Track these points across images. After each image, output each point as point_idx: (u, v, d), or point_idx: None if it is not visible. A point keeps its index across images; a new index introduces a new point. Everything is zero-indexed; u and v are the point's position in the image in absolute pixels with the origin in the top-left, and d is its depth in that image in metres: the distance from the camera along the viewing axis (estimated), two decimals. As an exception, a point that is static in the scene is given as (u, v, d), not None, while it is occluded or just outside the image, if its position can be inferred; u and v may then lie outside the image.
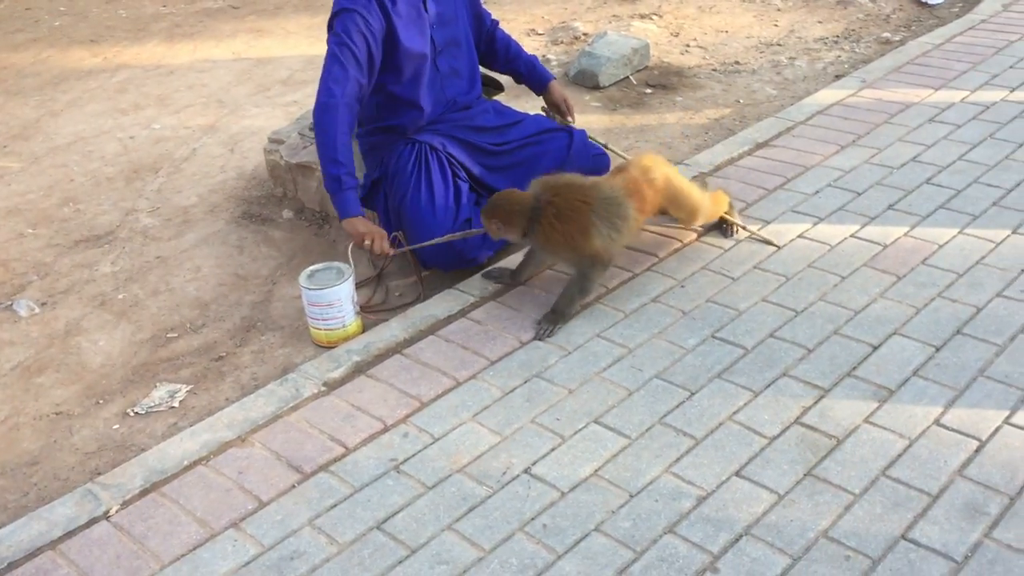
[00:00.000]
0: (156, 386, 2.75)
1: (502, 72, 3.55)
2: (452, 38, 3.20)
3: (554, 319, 2.75)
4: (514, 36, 5.33)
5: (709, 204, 3.01)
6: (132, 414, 2.64)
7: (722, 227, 3.14)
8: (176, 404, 2.66)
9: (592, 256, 2.74)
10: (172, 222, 3.70)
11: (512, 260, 3.07)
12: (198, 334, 2.99)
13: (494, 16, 3.49)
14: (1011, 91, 4.04)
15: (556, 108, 3.49)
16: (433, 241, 2.97)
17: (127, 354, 2.92)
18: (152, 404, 2.67)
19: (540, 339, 2.71)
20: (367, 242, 2.91)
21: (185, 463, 2.33)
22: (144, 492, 2.25)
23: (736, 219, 3.13)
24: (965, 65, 4.35)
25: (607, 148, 3.45)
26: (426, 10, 3.10)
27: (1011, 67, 4.29)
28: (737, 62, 4.88)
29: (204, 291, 3.22)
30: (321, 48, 5.44)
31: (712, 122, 4.20)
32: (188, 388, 2.73)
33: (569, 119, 3.47)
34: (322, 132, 2.92)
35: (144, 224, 3.70)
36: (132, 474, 2.30)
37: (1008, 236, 3.01)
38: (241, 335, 2.97)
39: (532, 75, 3.50)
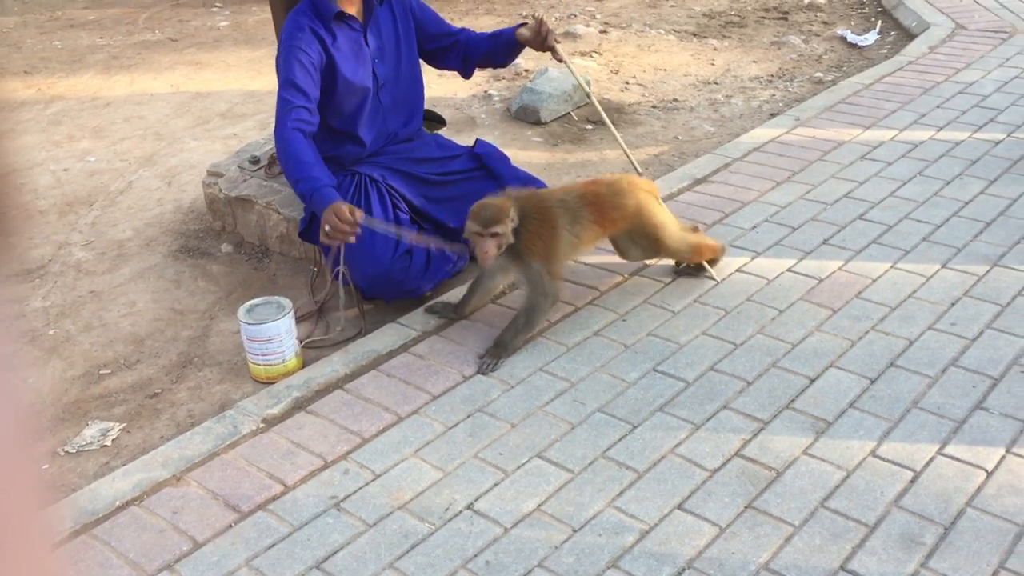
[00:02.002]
0: (88, 424, 2.67)
1: (495, 52, 3.34)
2: (394, 72, 3.21)
3: (497, 352, 2.74)
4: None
5: (685, 245, 2.99)
6: (62, 453, 2.56)
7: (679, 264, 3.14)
8: (108, 443, 2.59)
9: (553, 269, 2.77)
10: (106, 256, 3.63)
11: (455, 294, 3.07)
12: (132, 370, 2.92)
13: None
14: (938, 130, 4.17)
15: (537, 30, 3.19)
16: (411, 237, 2.98)
17: (58, 391, 2.84)
18: (83, 443, 2.59)
19: (484, 373, 2.70)
20: (327, 227, 2.73)
21: (117, 503, 2.26)
22: (74, 534, 2.18)
23: (712, 270, 3.10)
24: (894, 105, 4.49)
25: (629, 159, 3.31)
26: (367, 44, 3.11)
27: (938, 107, 4.43)
28: (675, 99, 4.97)
29: (139, 326, 3.15)
30: (261, 82, 5.40)
31: (651, 158, 4.26)
32: (121, 426, 2.66)
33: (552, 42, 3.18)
34: (285, 159, 2.94)
35: (77, 258, 3.62)
36: (61, 515, 2.22)
37: (938, 270, 3.09)
38: (177, 371, 2.91)
39: (503, 35, 3.29)
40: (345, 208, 2.71)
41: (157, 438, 2.60)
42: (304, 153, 2.90)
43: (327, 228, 2.74)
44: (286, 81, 2.95)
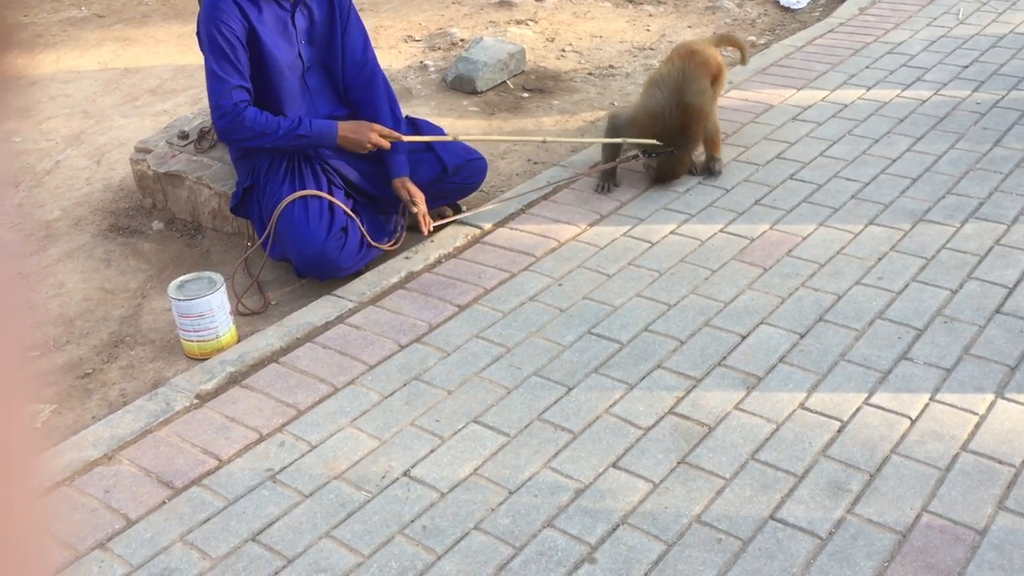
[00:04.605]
0: (17, 407, 2.62)
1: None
2: (322, 56, 3.15)
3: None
4: (391, 43, 5.33)
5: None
6: (-9, 437, 2.51)
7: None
8: (39, 425, 2.55)
9: None
10: (33, 237, 3.55)
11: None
12: (62, 351, 2.87)
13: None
14: (867, 90, 4.23)
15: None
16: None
17: (-15, 375, 2.78)
18: (13, 426, 2.54)
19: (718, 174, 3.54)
20: (370, 144, 3.02)
21: (47, 484, 2.23)
22: (3, 517, 2.14)
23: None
24: (825, 66, 4.54)
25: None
26: (294, 25, 3.05)
27: (867, 67, 4.49)
28: (611, 66, 4.97)
29: (68, 307, 3.10)
30: (192, 56, 5.28)
31: (588, 124, 4.27)
32: (52, 408, 2.62)
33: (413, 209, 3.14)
34: (258, 133, 2.94)
35: (2, 240, 3.53)
36: (-10, 499, 2.18)
37: (866, 227, 3.15)
38: (109, 351, 2.86)
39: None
40: (371, 139, 3.02)
41: (88, 418, 2.56)
42: (269, 117, 2.95)
43: (373, 136, 3.00)
44: (220, 57, 2.90)
